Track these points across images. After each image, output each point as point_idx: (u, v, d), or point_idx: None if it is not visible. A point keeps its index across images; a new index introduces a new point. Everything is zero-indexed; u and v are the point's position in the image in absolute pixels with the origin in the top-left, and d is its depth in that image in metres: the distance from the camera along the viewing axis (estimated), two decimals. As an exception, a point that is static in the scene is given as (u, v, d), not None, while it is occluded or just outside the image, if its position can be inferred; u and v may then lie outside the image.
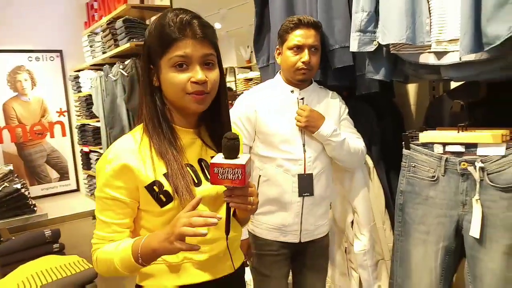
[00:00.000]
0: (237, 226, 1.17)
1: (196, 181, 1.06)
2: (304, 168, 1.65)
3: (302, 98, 1.68)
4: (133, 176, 1.02)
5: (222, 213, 1.07)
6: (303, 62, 1.62)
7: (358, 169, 1.80)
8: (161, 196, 1.03)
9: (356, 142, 1.71)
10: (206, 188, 1.06)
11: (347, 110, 1.78)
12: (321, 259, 1.82)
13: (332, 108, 1.74)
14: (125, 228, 1.06)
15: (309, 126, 1.63)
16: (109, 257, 1.02)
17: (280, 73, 1.76)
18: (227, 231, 1.03)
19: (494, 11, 1.13)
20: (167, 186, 1.02)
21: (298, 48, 1.63)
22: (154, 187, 1.02)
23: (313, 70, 1.68)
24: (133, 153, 1.03)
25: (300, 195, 1.65)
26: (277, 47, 1.74)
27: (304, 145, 1.66)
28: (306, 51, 1.62)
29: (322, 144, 1.67)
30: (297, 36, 1.62)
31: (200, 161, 1.10)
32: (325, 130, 1.62)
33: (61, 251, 2.27)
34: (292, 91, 1.70)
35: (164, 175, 1.03)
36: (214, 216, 0.92)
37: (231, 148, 0.95)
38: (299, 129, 1.66)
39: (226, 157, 0.95)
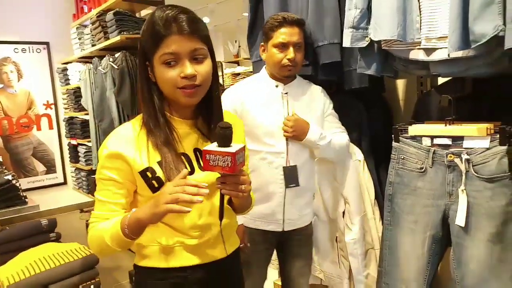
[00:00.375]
0: (231, 213, 1.22)
1: (190, 170, 1.11)
2: (287, 160, 1.70)
3: (287, 93, 1.74)
4: (126, 163, 1.08)
5: (216, 200, 1.12)
6: (288, 59, 1.68)
7: (349, 162, 1.86)
8: (154, 182, 1.08)
9: (340, 138, 1.77)
10: (199, 177, 1.11)
11: (331, 105, 1.84)
12: (306, 247, 1.87)
13: (315, 102, 1.79)
14: (120, 208, 1.11)
15: (296, 135, 1.69)
16: (100, 233, 1.07)
17: (265, 68, 1.81)
18: (221, 217, 1.08)
19: (480, 10, 1.20)
20: (159, 173, 1.08)
21: (283, 46, 1.68)
22: (147, 173, 1.08)
23: (297, 66, 1.74)
24: (130, 141, 1.09)
25: (287, 186, 1.71)
26: (262, 43, 1.78)
27: (287, 138, 1.71)
28: (291, 48, 1.68)
29: None
30: (282, 34, 1.68)
31: (195, 150, 1.14)
32: (312, 136, 1.69)
33: (57, 240, 2.28)
34: (276, 86, 1.75)
35: (158, 162, 1.08)
36: (202, 186, 0.96)
37: (223, 136, 0.99)
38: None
39: (219, 145, 0.99)
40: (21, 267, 1.90)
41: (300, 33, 1.71)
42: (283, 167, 1.70)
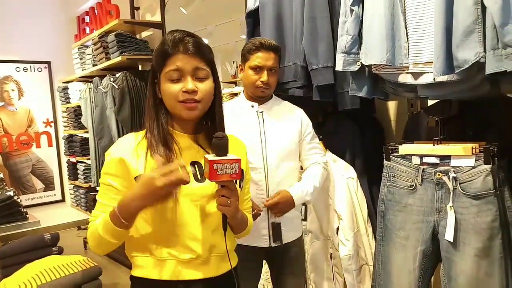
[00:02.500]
0: (229, 233, 1.25)
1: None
2: (265, 175, 1.76)
3: (262, 112, 1.82)
4: (126, 168, 1.15)
5: (210, 215, 1.18)
6: (262, 81, 1.78)
7: (343, 179, 1.93)
8: None
9: (317, 171, 1.84)
10: (194, 187, 1.17)
11: (310, 124, 1.90)
12: (297, 263, 1.88)
13: (292, 121, 1.85)
14: None
15: (286, 210, 1.75)
16: (95, 227, 1.13)
17: (243, 91, 1.91)
18: (225, 228, 1.16)
19: (462, 39, 1.29)
20: None
21: (259, 68, 1.78)
22: None
23: (271, 88, 1.83)
24: (130, 149, 1.17)
25: (274, 241, 1.76)
26: (240, 64, 1.88)
27: (266, 155, 1.77)
28: (265, 72, 1.78)
29: (284, 152, 1.79)
30: (258, 58, 1.78)
31: (193, 162, 1.21)
32: (298, 199, 1.76)
33: (59, 254, 2.32)
34: (252, 106, 1.84)
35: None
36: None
37: (220, 145, 1.06)
38: (260, 140, 1.78)
39: (217, 155, 1.06)
40: (28, 277, 1.95)
41: (276, 58, 1.81)
42: (271, 222, 1.76)
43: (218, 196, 1.10)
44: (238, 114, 1.84)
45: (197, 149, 1.22)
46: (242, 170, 1.07)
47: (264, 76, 1.77)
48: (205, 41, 1.22)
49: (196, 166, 1.21)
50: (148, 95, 1.22)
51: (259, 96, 1.83)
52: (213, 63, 1.21)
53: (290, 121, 1.86)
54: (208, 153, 1.20)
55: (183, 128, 1.22)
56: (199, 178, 1.19)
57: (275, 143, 1.79)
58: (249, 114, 1.83)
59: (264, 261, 1.93)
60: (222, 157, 1.05)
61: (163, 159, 1.10)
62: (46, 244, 2.28)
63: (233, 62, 6.85)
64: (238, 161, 1.05)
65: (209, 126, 1.24)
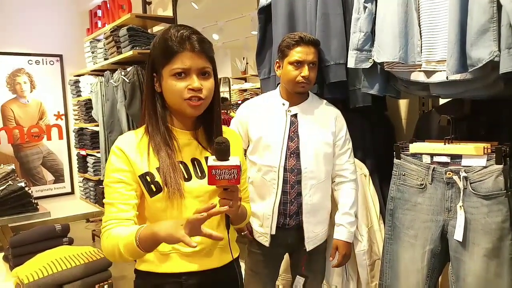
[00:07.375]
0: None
1: (187, 177, 1.18)
2: (278, 175, 1.74)
3: (295, 114, 1.79)
4: (129, 163, 1.15)
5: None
6: (303, 77, 1.73)
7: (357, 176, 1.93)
8: (152, 186, 1.15)
9: (351, 193, 1.83)
10: (195, 184, 1.18)
11: (344, 127, 1.85)
12: (317, 263, 1.90)
13: (326, 123, 1.82)
14: (131, 208, 1.14)
15: (350, 252, 1.83)
16: (115, 241, 1.09)
17: (279, 86, 1.88)
18: (228, 226, 1.16)
19: (477, 37, 1.28)
20: (158, 178, 1.14)
21: (299, 63, 1.74)
22: (147, 177, 1.15)
23: (311, 84, 1.80)
24: (132, 145, 1.17)
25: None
26: (277, 60, 1.85)
27: (286, 156, 1.75)
28: (306, 66, 1.74)
29: (318, 155, 1.77)
30: (298, 53, 1.74)
31: (193, 160, 1.22)
32: (350, 237, 1.81)
33: (70, 245, 2.36)
34: (283, 104, 1.81)
35: (157, 168, 1.15)
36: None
37: (221, 150, 1.05)
38: (282, 140, 1.76)
39: (218, 159, 1.05)
40: (39, 266, 2.00)
41: (315, 53, 1.77)
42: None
43: (220, 198, 1.09)
44: (267, 109, 1.84)
45: (196, 145, 1.23)
46: (240, 175, 1.05)
47: (305, 71, 1.73)
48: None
49: (196, 163, 1.21)
50: (145, 88, 1.21)
51: (299, 92, 1.79)
52: (214, 61, 1.20)
53: (324, 122, 1.82)
54: (208, 151, 1.22)
55: (182, 124, 1.22)
56: (199, 175, 1.20)
57: (308, 146, 1.76)
58: (277, 112, 1.81)
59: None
60: (221, 163, 1.04)
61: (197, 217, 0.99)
62: (56, 235, 2.31)
63: (243, 58, 6.84)
64: (237, 167, 1.04)
65: (208, 122, 1.24)
